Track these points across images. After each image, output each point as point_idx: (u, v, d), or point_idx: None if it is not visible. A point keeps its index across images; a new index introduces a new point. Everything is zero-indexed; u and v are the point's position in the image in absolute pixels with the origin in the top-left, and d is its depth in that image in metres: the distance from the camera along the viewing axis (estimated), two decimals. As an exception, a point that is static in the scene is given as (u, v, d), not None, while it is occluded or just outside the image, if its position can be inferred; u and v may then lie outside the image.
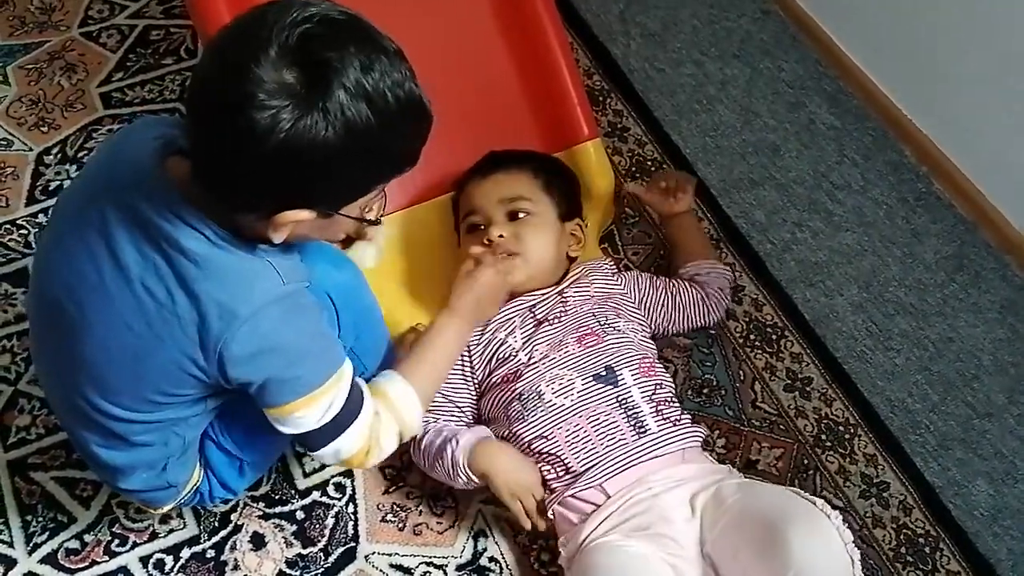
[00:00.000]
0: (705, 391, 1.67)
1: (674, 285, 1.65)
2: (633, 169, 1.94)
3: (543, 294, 1.57)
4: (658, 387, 1.47)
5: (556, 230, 1.59)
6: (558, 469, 1.42)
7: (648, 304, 1.62)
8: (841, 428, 1.63)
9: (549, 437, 1.43)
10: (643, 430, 1.41)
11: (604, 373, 1.46)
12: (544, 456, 1.43)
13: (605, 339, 1.50)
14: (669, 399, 1.47)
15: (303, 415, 1.18)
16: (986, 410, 1.65)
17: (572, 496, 1.40)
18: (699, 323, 1.65)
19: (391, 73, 1.02)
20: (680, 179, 1.75)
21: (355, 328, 1.32)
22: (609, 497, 1.38)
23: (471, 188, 1.61)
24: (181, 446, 1.29)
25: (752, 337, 1.72)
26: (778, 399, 1.66)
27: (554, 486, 1.42)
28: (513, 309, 1.55)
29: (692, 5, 2.16)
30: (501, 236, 1.53)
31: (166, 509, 1.40)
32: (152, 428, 1.23)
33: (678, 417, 1.46)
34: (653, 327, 1.62)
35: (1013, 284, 1.79)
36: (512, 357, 1.50)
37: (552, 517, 1.43)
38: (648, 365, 1.50)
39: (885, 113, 1.97)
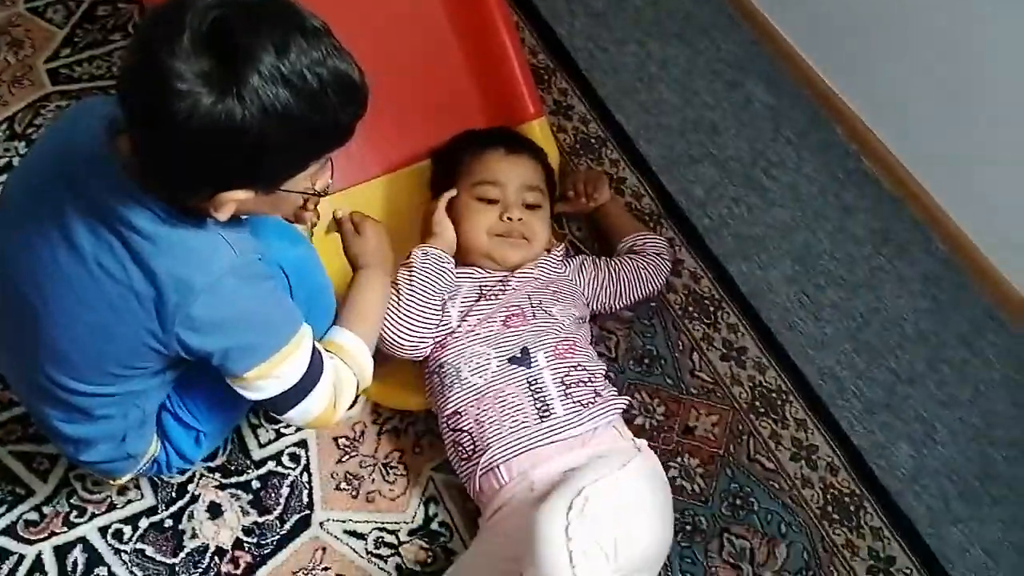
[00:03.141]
0: (645, 361, 1.74)
1: (615, 263, 1.71)
2: (577, 147, 1.99)
3: (493, 272, 1.62)
4: (573, 369, 1.50)
5: (549, 224, 1.68)
6: (467, 447, 1.48)
7: (593, 285, 1.68)
8: (774, 395, 1.72)
9: (462, 413, 1.49)
10: (547, 413, 1.45)
11: (519, 355, 1.51)
12: (457, 432, 1.49)
13: (529, 321, 1.55)
14: (585, 381, 1.49)
15: (267, 381, 1.22)
16: (909, 376, 1.75)
17: (477, 477, 1.45)
18: (644, 292, 1.71)
19: (309, 53, 1.02)
20: (589, 178, 1.82)
21: (307, 303, 1.35)
22: (505, 484, 1.43)
23: (494, 160, 1.65)
24: (140, 418, 1.32)
25: (690, 309, 1.80)
26: (715, 368, 1.74)
27: (466, 464, 1.48)
28: (466, 277, 1.60)
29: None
30: (521, 220, 1.61)
31: (125, 479, 1.44)
32: (113, 401, 1.26)
33: (591, 399, 1.47)
34: (600, 307, 1.68)
35: (936, 257, 1.88)
36: (444, 324, 1.56)
37: (479, 487, 1.47)
38: (566, 348, 1.53)
39: (818, 92, 2.05)
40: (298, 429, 1.62)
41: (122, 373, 1.22)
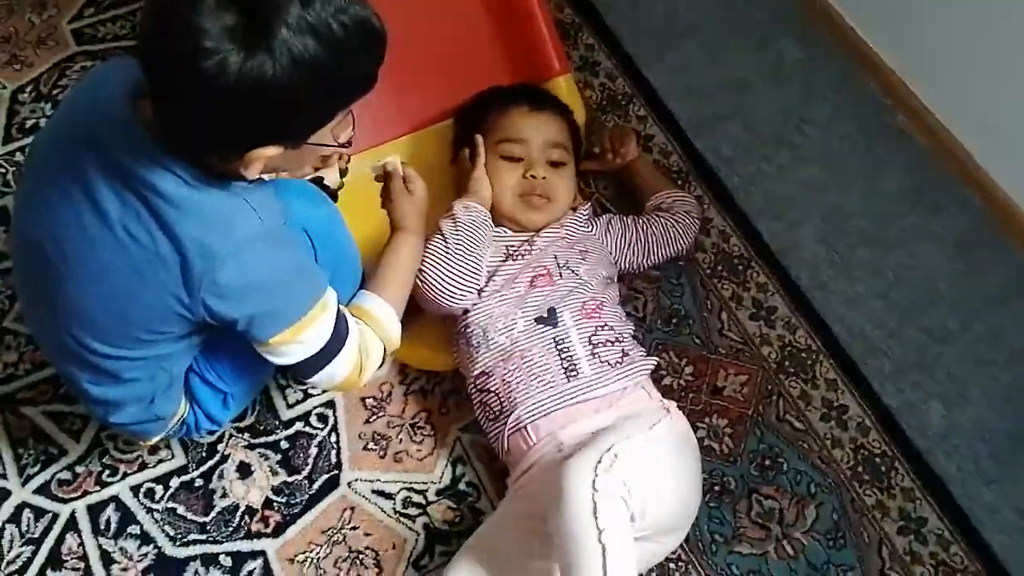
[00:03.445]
0: (673, 321, 1.72)
1: (643, 221, 1.69)
2: (604, 103, 1.96)
3: (518, 233, 1.61)
4: (600, 328, 1.49)
5: (575, 183, 1.66)
6: (495, 407, 1.48)
7: (620, 243, 1.66)
8: (803, 355, 1.70)
9: (489, 374, 1.48)
10: (574, 373, 1.44)
11: (546, 315, 1.50)
12: (484, 393, 1.49)
13: (555, 282, 1.53)
14: (612, 340, 1.49)
15: (291, 347, 1.23)
16: (941, 335, 1.72)
17: (505, 437, 1.45)
18: (672, 251, 1.69)
19: (332, 1, 1.01)
20: (616, 134, 1.80)
21: (331, 265, 1.35)
22: (533, 444, 1.43)
23: (518, 117, 1.64)
24: (168, 380, 1.33)
25: (719, 268, 1.78)
26: (744, 327, 1.72)
27: (494, 424, 1.48)
28: (493, 239, 1.59)
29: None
30: (544, 178, 1.59)
31: (154, 441, 1.45)
32: (140, 365, 1.27)
33: (619, 359, 1.47)
34: (628, 266, 1.67)
35: (971, 214, 1.84)
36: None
37: (507, 447, 1.48)
38: (594, 307, 1.52)
39: (850, 47, 2.00)
40: (325, 391, 1.62)
41: (148, 337, 1.22)
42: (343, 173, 1.54)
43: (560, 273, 1.55)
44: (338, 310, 1.26)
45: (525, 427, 1.43)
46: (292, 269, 1.21)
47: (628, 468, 1.22)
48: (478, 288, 1.52)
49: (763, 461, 1.60)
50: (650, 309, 1.73)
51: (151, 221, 1.11)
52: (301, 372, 1.28)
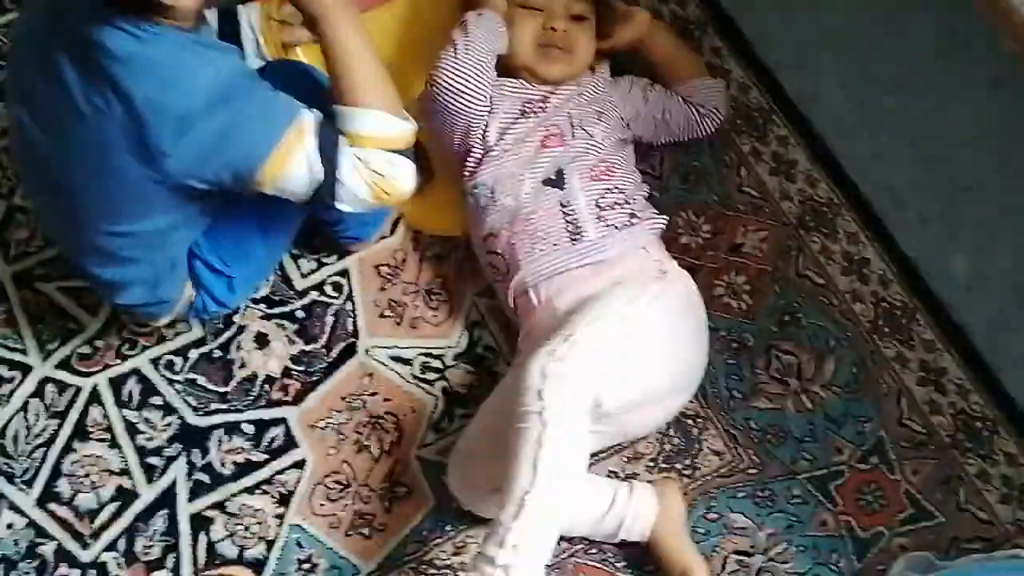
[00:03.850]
0: (691, 178, 1.68)
1: (669, 100, 1.62)
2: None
3: (536, 87, 1.55)
4: (608, 192, 1.47)
5: (595, 40, 1.59)
6: (501, 268, 1.47)
7: (638, 115, 1.61)
8: (825, 208, 1.66)
9: (496, 235, 1.47)
10: (579, 236, 1.43)
11: (554, 177, 1.47)
12: (491, 254, 1.48)
13: (567, 142, 1.50)
14: (620, 203, 1.46)
15: (282, 177, 1.19)
16: (968, 185, 1.66)
17: (511, 297, 1.45)
18: (690, 137, 1.64)
19: None
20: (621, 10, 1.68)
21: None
22: (536, 307, 1.42)
23: None
24: (169, 262, 1.33)
25: (738, 122, 1.72)
26: (763, 183, 1.68)
27: (501, 284, 1.48)
28: (508, 91, 1.54)
29: None
30: (565, 31, 1.54)
31: (163, 322, 1.46)
32: (135, 242, 1.26)
33: (626, 221, 1.45)
34: (638, 136, 1.62)
35: (1003, 58, 1.76)
36: (483, 140, 1.51)
37: (514, 308, 1.48)
38: (603, 169, 1.49)
39: None
40: (337, 257, 1.60)
41: (136, 211, 1.21)
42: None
43: (573, 133, 1.51)
44: (321, 128, 1.21)
45: (527, 289, 1.43)
46: (252, 109, 1.17)
47: (585, 354, 1.23)
48: (488, 92, 1.49)
49: (782, 317, 1.59)
50: (667, 167, 1.69)
51: (105, 85, 1.09)
52: (319, 201, 1.24)
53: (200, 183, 1.19)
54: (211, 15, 1.39)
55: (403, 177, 1.26)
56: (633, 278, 1.40)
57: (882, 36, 1.78)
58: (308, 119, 1.20)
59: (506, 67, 1.55)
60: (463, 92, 1.47)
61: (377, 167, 1.22)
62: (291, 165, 1.19)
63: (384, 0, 1.69)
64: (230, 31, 1.43)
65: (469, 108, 1.48)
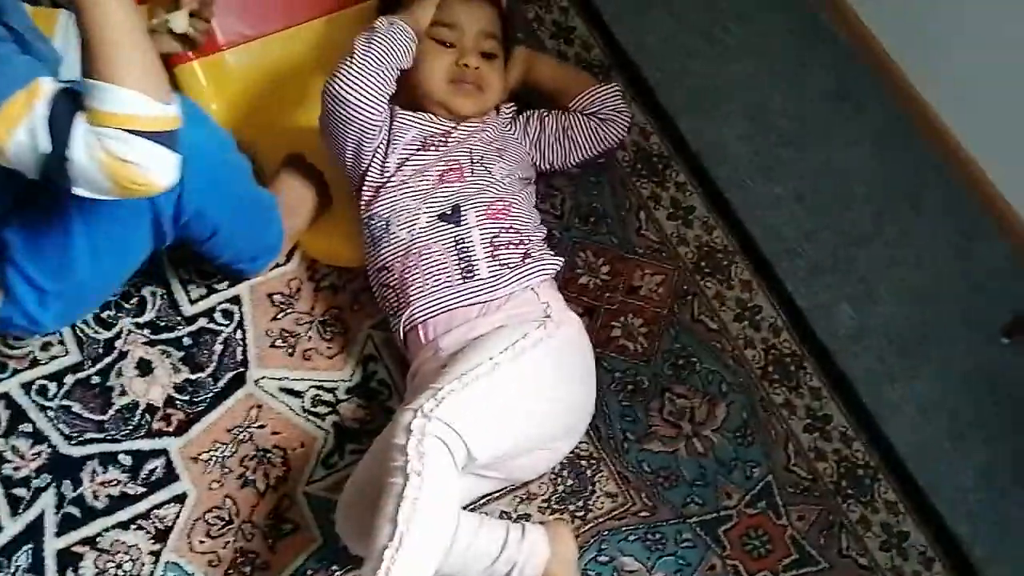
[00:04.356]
0: (591, 219, 1.69)
1: (566, 119, 1.62)
2: (524, -9, 1.89)
3: (443, 122, 1.54)
4: (504, 231, 1.45)
5: (504, 77, 1.59)
6: (393, 303, 1.45)
7: (540, 144, 1.60)
8: (720, 255, 1.69)
9: (389, 269, 1.45)
10: (471, 274, 1.41)
11: (449, 212, 1.45)
12: (384, 288, 1.46)
13: (466, 178, 1.48)
14: (515, 243, 1.45)
15: (5, 143, 1.07)
16: (856, 237, 1.73)
17: (402, 332, 1.43)
18: (600, 149, 1.62)
19: None
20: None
21: (211, 194, 1.28)
22: (423, 345, 1.41)
23: (454, 1, 1.55)
24: None
25: (639, 167, 1.75)
26: (662, 227, 1.70)
27: (393, 319, 1.46)
28: (412, 123, 1.52)
29: None
30: (477, 68, 1.52)
31: None
32: None
33: (519, 261, 1.43)
34: (548, 165, 1.61)
35: (889, 115, 1.84)
36: (380, 169, 1.49)
37: (404, 344, 1.46)
38: (501, 208, 1.47)
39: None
40: (229, 283, 1.55)
41: None
42: (198, 15, 1.44)
43: (472, 169, 1.50)
44: (58, 100, 1.08)
45: (416, 326, 1.41)
46: None
47: (451, 410, 1.22)
48: (382, 106, 1.45)
49: (676, 360, 1.60)
50: (568, 207, 1.70)
51: None
52: (55, 177, 1.10)
53: None
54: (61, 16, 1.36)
55: (153, 166, 1.09)
56: (518, 321, 1.38)
57: (779, 89, 1.85)
58: (45, 85, 1.08)
59: (414, 100, 1.54)
60: (353, 101, 1.42)
61: (114, 149, 1.07)
62: (15, 133, 1.07)
63: (302, 20, 1.66)
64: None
65: (359, 118, 1.43)
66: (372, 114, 1.44)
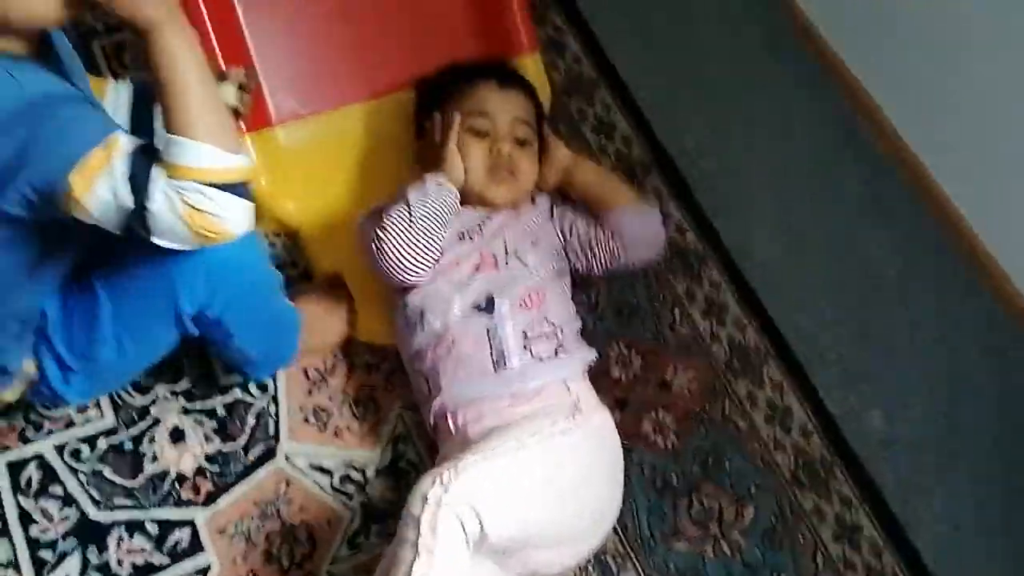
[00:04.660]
0: (625, 312, 1.71)
1: (593, 233, 1.58)
2: (568, 87, 1.93)
3: (478, 213, 1.56)
4: (537, 321, 1.45)
5: (536, 166, 1.61)
6: (424, 390, 1.46)
7: (566, 248, 1.59)
8: (752, 355, 1.70)
9: (423, 356, 1.46)
10: (503, 365, 1.41)
11: (484, 303, 1.46)
12: (416, 374, 1.48)
13: (501, 269, 1.49)
14: (548, 335, 1.45)
15: (88, 198, 1.09)
16: (889, 345, 1.74)
17: (432, 419, 1.44)
18: (620, 268, 1.61)
19: None
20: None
21: (236, 306, 1.30)
22: (453, 434, 1.41)
23: (486, 91, 1.59)
24: (13, 323, 1.26)
25: (674, 262, 1.77)
26: (695, 323, 1.72)
27: (424, 405, 1.46)
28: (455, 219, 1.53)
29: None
30: (510, 155, 1.55)
31: (6, 397, 1.36)
32: None
33: (551, 354, 1.43)
34: (577, 269, 1.60)
35: (921, 222, 1.85)
36: None
37: (434, 431, 1.47)
38: (535, 299, 1.47)
39: (817, 50, 1.99)
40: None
41: None
42: (245, 88, 1.45)
43: (506, 261, 1.51)
44: (136, 155, 1.11)
45: (447, 413, 1.42)
46: (55, 126, 1.09)
47: (469, 482, 1.21)
48: (433, 267, 1.47)
49: (706, 458, 1.60)
50: (603, 299, 1.72)
51: None
52: (131, 228, 1.13)
53: (13, 207, 1.11)
54: (124, 88, 1.39)
55: (229, 216, 1.12)
56: (547, 412, 1.38)
57: (813, 193, 1.88)
58: (122, 141, 1.11)
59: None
60: (407, 271, 1.44)
61: (194, 201, 1.10)
62: (96, 189, 1.09)
63: (348, 102, 1.70)
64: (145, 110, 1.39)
65: (413, 280, 1.46)
66: (420, 278, 1.46)
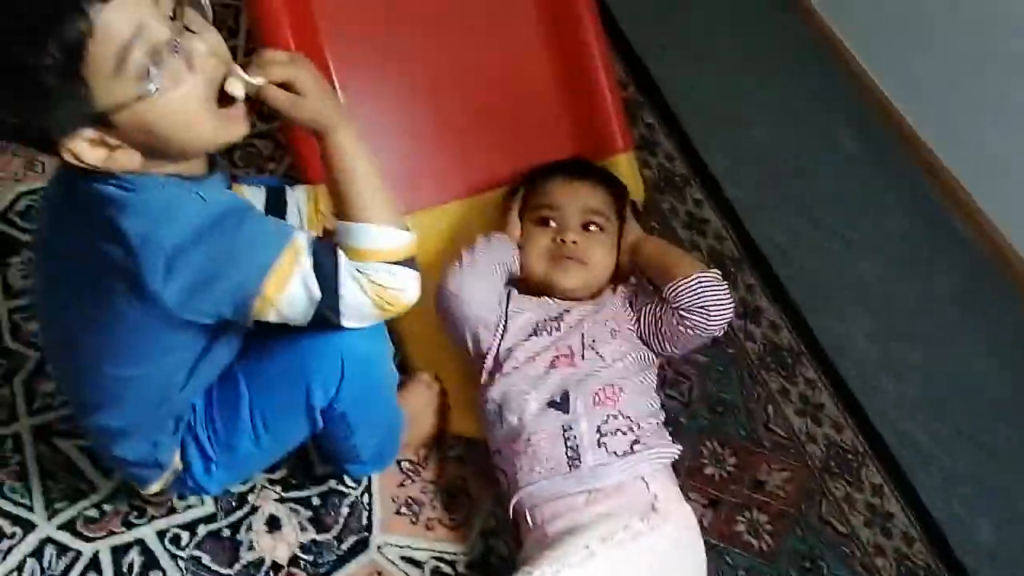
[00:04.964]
0: (719, 409, 1.69)
1: (658, 311, 1.54)
2: (661, 184, 1.96)
3: (557, 304, 1.58)
4: (613, 417, 1.43)
5: (615, 253, 1.63)
6: (503, 484, 1.48)
7: (643, 335, 1.56)
8: (850, 456, 1.66)
9: (501, 452, 1.48)
10: (577, 463, 1.40)
11: (559, 400, 1.45)
12: (498, 469, 1.49)
13: (576, 363, 1.49)
14: (624, 430, 1.42)
15: (282, 300, 1.16)
16: (993, 448, 1.68)
17: (511, 515, 1.45)
18: (686, 344, 1.54)
19: None
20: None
21: (362, 402, 1.34)
22: (530, 530, 1.41)
23: (554, 185, 1.64)
24: (170, 420, 1.31)
25: (768, 360, 1.75)
26: (790, 422, 1.69)
27: (506, 500, 1.46)
28: (527, 308, 1.56)
29: (731, 21, 2.18)
30: (575, 242, 1.58)
31: (152, 490, 1.40)
32: (140, 387, 1.25)
33: (627, 449, 1.41)
34: (655, 355, 1.57)
35: (1020, 322, 1.81)
36: (495, 355, 1.52)
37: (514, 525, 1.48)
38: (610, 393, 1.45)
39: (910, 145, 1.99)
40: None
41: (140, 352, 1.21)
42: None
43: (583, 354, 1.50)
44: (316, 249, 1.17)
45: (524, 511, 1.42)
46: (242, 239, 1.15)
47: None
48: (492, 300, 1.54)
49: (803, 562, 1.56)
50: (695, 395, 1.71)
51: (105, 228, 1.10)
52: (322, 323, 1.20)
53: (201, 317, 1.17)
54: (258, 193, 1.44)
55: (407, 288, 1.21)
56: (624, 511, 1.36)
57: (908, 290, 1.85)
58: (301, 239, 1.18)
59: (527, 285, 1.60)
60: (463, 298, 1.52)
61: (379, 279, 1.19)
62: (289, 288, 1.15)
63: (449, 199, 1.77)
64: (273, 211, 1.46)
65: (469, 313, 1.53)
66: (481, 307, 1.53)
